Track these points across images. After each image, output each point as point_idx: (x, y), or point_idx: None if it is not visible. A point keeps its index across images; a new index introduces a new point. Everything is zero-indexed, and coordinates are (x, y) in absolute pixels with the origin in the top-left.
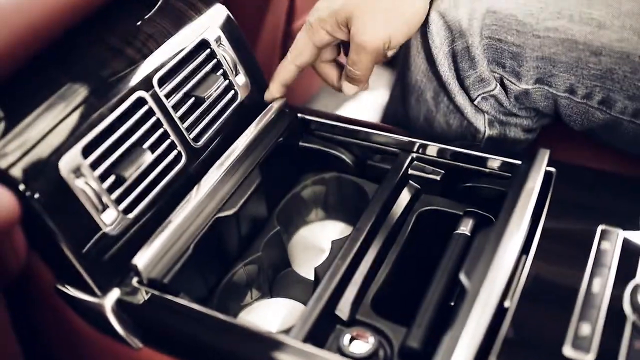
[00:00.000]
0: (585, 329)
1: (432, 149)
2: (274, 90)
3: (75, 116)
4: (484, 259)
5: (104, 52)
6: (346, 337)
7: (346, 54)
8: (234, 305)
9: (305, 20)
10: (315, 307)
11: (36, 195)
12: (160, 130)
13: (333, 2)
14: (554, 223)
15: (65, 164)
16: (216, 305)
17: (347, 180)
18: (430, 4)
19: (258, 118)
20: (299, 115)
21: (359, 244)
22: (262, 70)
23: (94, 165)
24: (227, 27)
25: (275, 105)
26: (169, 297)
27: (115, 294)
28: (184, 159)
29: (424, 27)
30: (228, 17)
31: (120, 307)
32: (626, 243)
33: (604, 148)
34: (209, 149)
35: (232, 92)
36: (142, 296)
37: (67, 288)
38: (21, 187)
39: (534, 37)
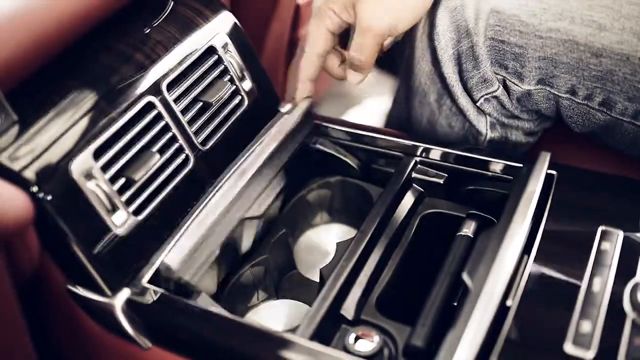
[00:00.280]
0: (586, 326)
1: (435, 153)
2: (303, 88)
3: (86, 120)
4: (486, 259)
5: (114, 58)
6: (351, 336)
7: (344, 46)
8: (241, 306)
9: (312, 9)
10: (321, 307)
11: (48, 197)
12: (169, 134)
13: None
14: (555, 224)
15: (77, 167)
16: (223, 306)
17: (352, 183)
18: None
19: (283, 119)
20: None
21: (363, 245)
22: (268, 77)
23: (104, 168)
24: (234, 34)
25: (303, 106)
26: (178, 297)
27: (125, 294)
28: (191, 162)
29: (430, 29)
30: (235, 24)
31: (130, 307)
32: (626, 243)
33: (605, 151)
34: (216, 152)
35: (239, 97)
36: (152, 296)
37: (77, 288)
38: (34, 189)
39: (536, 38)
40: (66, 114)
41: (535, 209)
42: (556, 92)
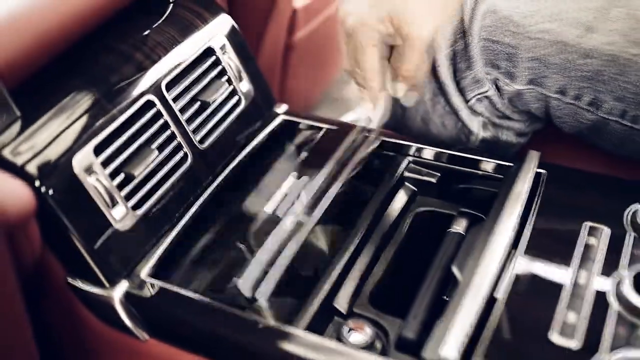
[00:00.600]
0: (571, 317)
1: (428, 153)
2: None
3: (87, 117)
4: (474, 253)
5: (115, 58)
6: (344, 329)
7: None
8: None
9: (343, 28)
10: (315, 300)
11: (50, 192)
12: (168, 132)
13: (377, 1)
14: (543, 220)
15: (78, 162)
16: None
17: None
18: None
19: (352, 142)
20: (300, 120)
21: (356, 241)
22: (265, 78)
23: (105, 164)
24: (232, 36)
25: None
26: (176, 289)
27: (123, 286)
28: (189, 160)
29: None
30: (232, 26)
31: (129, 299)
32: (611, 239)
33: (593, 151)
34: (213, 151)
35: (236, 97)
36: (150, 289)
37: (77, 281)
38: (36, 183)
39: (527, 39)
40: (68, 110)
41: (524, 206)
42: (546, 92)
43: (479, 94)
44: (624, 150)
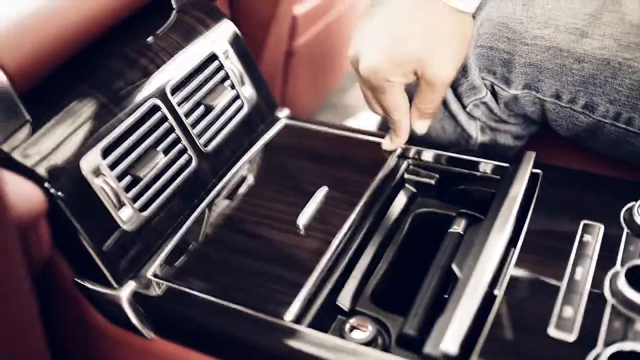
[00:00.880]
0: (568, 311)
1: (427, 155)
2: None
3: (95, 120)
4: (473, 251)
5: (121, 63)
6: (347, 326)
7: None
8: None
9: (357, 71)
10: (318, 298)
11: (59, 193)
12: (173, 135)
13: (392, 48)
14: (540, 219)
15: (86, 164)
16: None
17: None
18: None
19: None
20: (302, 124)
21: (358, 241)
22: (266, 84)
23: (112, 166)
24: (234, 42)
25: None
26: (182, 288)
27: (130, 286)
28: (194, 163)
29: None
30: (235, 32)
31: (136, 298)
32: (606, 236)
33: (587, 153)
34: (217, 154)
35: (239, 102)
36: (156, 288)
37: (85, 282)
38: (46, 184)
39: (522, 45)
40: (76, 114)
41: (522, 205)
42: (541, 96)
43: (475, 100)
44: (618, 151)
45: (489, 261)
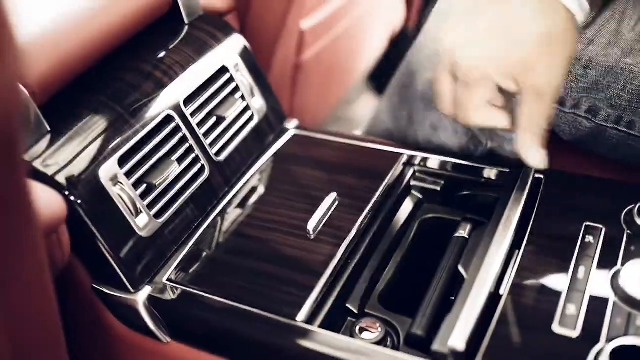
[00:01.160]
0: (572, 309)
1: (433, 162)
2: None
3: (112, 131)
4: (478, 252)
5: (136, 76)
6: (357, 328)
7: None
8: None
9: (449, 67)
10: (328, 300)
11: (79, 200)
12: (186, 145)
13: (506, 46)
14: (543, 221)
15: (104, 173)
16: None
17: None
18: None
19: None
20: (310, 134)
21: (366, 245)
22: (275, 96)
23: (128, 174)
24: (244, 56)
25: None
26: (196, 292)
27: (146, 291)
28: (206, 171)
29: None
30: (245, 46)
31: (152, 302)
32: (608, 237)
33: (589, 157)
34: (229, 163)
35: (249, 113)
36: (171, 293)
37: (102, 287)
38: (66, 192)
39: None
40: (94, 125)
41: (525, 208)
42: None
43: None
44: (619, 154)
45: (494, 262)
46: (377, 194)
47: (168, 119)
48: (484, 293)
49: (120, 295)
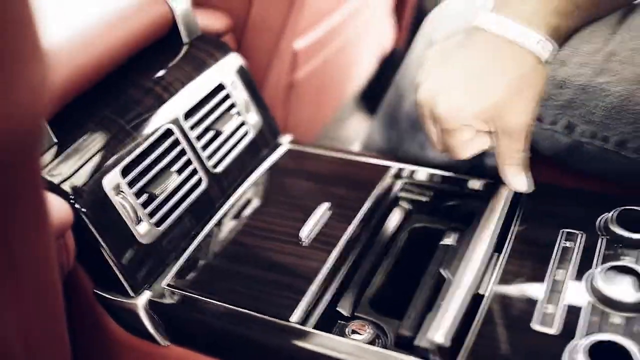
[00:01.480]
0: (550, 308)
1: (421, 174)
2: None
3: (115, 143)
4: (458, 254)
5: (138, 91)
6: (347, 330)
7: None
8: None
9: (426, 112)
10: (320, 304)
11: (84, 208)
12: (185, 157)
13: (478, 92)
14: (524, 228)
15: (108, 182)
16: None
17: None
18: None
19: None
20: (303, 148)
21: (356, 253)
22: (270, 112)
23: (130, 184)
24: (241, 74)
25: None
26: (195, 296)
27: (146, 295)
28: (204, 182)
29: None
30: (241, 65)
31: (151, 307)
32: (585, 242)
33: (567, 170)
34: (225, 176)
35: (245, 128)
36: (171, 297)
37: (104, 292)
38: (71, 200)
39: None
40: (98, 137)
41: (507, 216)
42: None
43: None
44: (595, 167)
45: (472, 261)
46: (367, 204)
47: (168, 133)
48: (464, 290)
49: (121, 300)
